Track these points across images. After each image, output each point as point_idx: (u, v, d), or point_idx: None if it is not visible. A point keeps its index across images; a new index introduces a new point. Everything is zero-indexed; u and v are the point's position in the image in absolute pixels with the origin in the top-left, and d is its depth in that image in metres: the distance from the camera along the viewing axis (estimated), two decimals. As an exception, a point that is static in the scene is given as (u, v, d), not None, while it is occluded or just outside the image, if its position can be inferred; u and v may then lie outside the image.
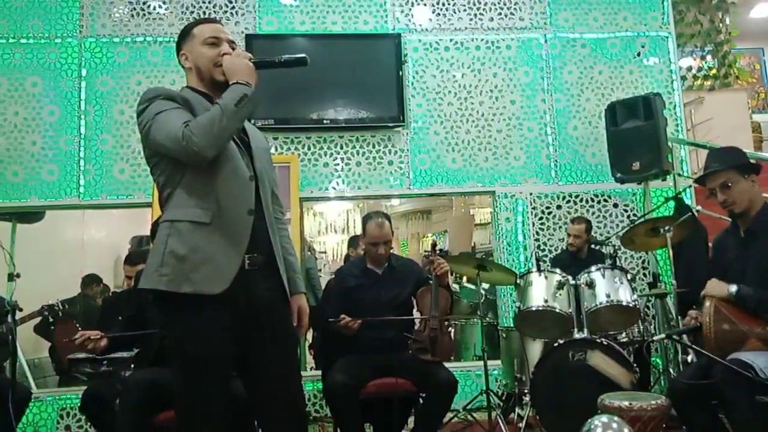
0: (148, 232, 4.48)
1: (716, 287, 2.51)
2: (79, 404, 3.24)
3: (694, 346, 2.56)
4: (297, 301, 2.10)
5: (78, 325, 5.27)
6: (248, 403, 1.99)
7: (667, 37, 5.27)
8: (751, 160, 2.83)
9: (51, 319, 3.80)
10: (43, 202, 4.73)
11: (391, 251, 3.47)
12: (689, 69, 7.69)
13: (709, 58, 7.73)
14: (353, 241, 5.65)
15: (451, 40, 5.12)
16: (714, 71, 7.64)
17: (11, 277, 3.97)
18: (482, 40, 5.14)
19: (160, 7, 4.96)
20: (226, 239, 1.86)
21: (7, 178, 4.65)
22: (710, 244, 3.94)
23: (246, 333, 1.90)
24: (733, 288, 2.45)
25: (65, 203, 4.73)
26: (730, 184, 2.61)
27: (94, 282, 5.97)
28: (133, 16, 4.92)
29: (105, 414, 2.99)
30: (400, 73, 4.93)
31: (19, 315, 3.42)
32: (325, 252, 8.78)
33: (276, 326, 1.97)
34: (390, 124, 4.92)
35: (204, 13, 4.94)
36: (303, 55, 1.97)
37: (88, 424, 3.78)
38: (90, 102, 4.79)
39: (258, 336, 1.93)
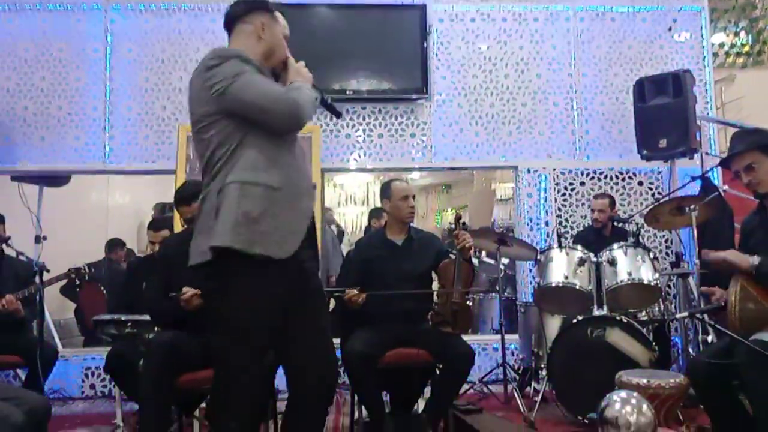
0: (171, 199, 4.54)
1: (738, 257, 2.48)
2: (103, 364, 3.32)
3: (716, 325, 2.54)
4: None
5: (102, 288, 5.39)
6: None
7: (700, 12, 5.13)
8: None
9: (77, 282, 3.88)
10: (69, 166, 4.80)
11: (412, 225, 3.47)
12: (722, 45, 7.50)
13: (742, 34, 7.52)
14: (375, 213, 5.66)
15: (477, 11, 5.03)
16: (747, 48, 7.44)
17: (38, 239, 4.07)
18: (509, 11, 5.04)
19: (185, -27, 4.93)
20: (295, 208, 1.90)
21: (34, 142, 4.72)
22: (736, 225, 3.89)
23: (290, 302, 1.93)
24: (755, 259, 2.42)
25: (91, 168, 4.80)
26: (754, 165, 2.57)
27: (118, 246, 6.07)
28: (158, -18, 4.91)
29: (129, 374, 3.06)
30: (425, 44, 4.87)
31: (46, 276, 3.50)
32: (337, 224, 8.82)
33: (316, 297, 2.05)
34: (413, 96, 4.88)
35: (229, -21, 4.90)
36: (341, 112, 2.15)
37: (112, 383, 3.87)
38: (116, 68, 4.82)
39: (300, 304, 1.97)
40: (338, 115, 2.14)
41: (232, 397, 1.87)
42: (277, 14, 2.07)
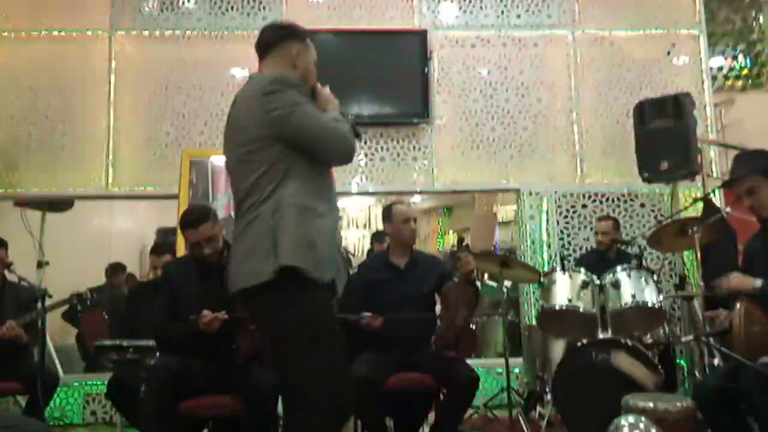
0: (174, 224, 4.55)
1: (741, 281, 2.47)
2: (105, 390, 3.30)
3: (722, 348, 2.52)
4: None
5: (104, 314, 5.37)
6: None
7: (698, 36, 5.19)
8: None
9: (79, 307, 3.87)
10: (72, 192, 4.82)
11: (414, 247, 3.47)
12: (720, 69, 7.55)
13: (740, 57, 7.58)
14: (377, 237, 5.65)
15: (477, 37, 5.09)
16: (746, 71, 7.49)
17: (41, 264, 4.07)
18: (509, 36, 5.10)
19: (188, 1, 5.01)
20: (334, 236, 1.99)
21: (37, 167, 4.74)
22: (739, 246, 3.87)
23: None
24: (758, 282, 2.41)
25: (93, 193, 4.81)
26: (755, 189, 2.58)
27: (119, 270, 6.05)
28: (162, 10, 4.98)
29: (130, 400, 3.04)
30: (426, 69, 4.92)
31: (48, 302, 3.49)
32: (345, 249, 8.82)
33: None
34: (414, 120, 4.92)
35: (232, 8, 4.98)
36: (361, 133, 2.16)
37: (114, 409, 3.84)
38: (119, 94, 4.86)
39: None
40: (359, 137, 2.16)
41: (319, 396, 1.87)
42: (309, 42, 2.14)
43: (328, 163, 2.06)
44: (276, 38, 2.10)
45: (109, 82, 4.86)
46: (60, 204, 5.04)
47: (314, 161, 1.97)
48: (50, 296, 3.46)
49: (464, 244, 3.33)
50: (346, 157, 2.02)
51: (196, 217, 2.90)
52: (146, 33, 4.94)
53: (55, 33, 4.89)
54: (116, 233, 7.26)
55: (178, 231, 4.33)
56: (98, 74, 4.86)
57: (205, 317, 2.73)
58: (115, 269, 6.07)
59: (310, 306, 1.88)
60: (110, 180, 4.77)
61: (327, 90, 2.13)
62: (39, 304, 3.47)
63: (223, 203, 4.41)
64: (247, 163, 1.94)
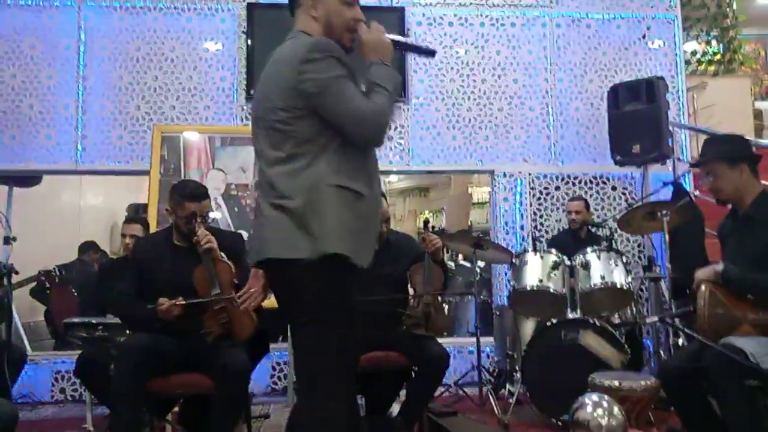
0: (145, 200, 4.49)
1: (705, 273, 2.54)
2: (73, 368, 3.26)
3: (686, 329, 2.58)
4: None
5: (74, 291, 5.30)
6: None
7: (674, 20, 5.22)
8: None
9: (47, 284, 3.81)
10: (40, 166, 4.71)
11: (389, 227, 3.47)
12: (694, 53, 7.64)
13: (714, 43, 7.66)
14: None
15: (455, 15, 5.06)
16: (719, 56, 7.59)
17: (7, 240, 3.98)
18: (486, 16, 5.08)
19: (160, -28, 4.88)
20: (373, 216, 1.88)
21: (4, 141, 4.63)
22: (707, 230, 3.96)
23: None
24: (720, 267, 2.48)
25: (62, 168, 4.72)
26: (717, 174, 2.64)
27: (91, 249, 5.96)
28: (133, -19, 4.85)
29: (99, 378, 3.00)
30: (403, 47, 4.86)
31: (15, 279, 3.42)
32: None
33: None
34: (391, 99, 4.87)
35: (205, -21, 4.86)
36: (434, 50, 1.98)
37: (83, 387, 3.81)
38: (89, 67, 4.74)
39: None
40: (432, 53, 1.98)
41: (336, 377, 1.83)
42: None
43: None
44: None
45: (78, 55, 4.73)
46: (28, 179, 4.92)
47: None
48: (16, 272, 3.39)
49: (429, 224, 3.33)
50: (374, 142, 1.84)
51: (203, 190, 2.89)
52: (116, 5, 4.80)
53: (22, 4, 4.73)
54: (86, 209, 7.15)
55: (151, 206, 4.30)
56: (66, 46, 4.73)
57: (161, 305, 2.70)
58: (87, 247, 5.97)
59: (346, 292, 1.82)
60: (80, 155, 4.67)
61: (373, 32, 1.88)
62: (5, 281, 3.41)
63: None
64: (277, 132, 1.80)
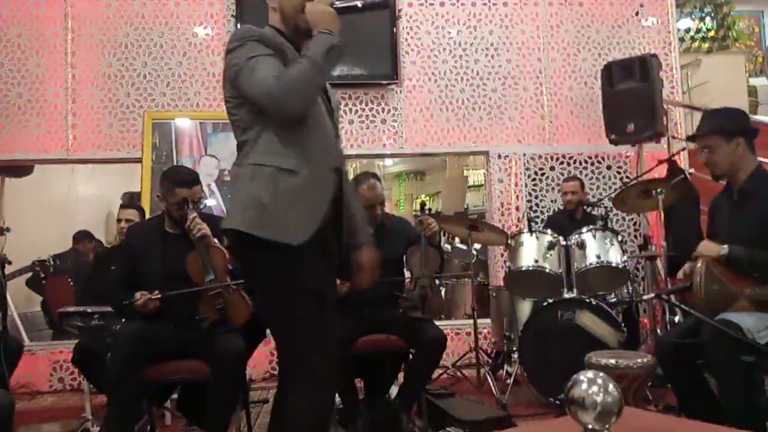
0: (138, 188, 4.46)
1: (708, 248, 2.52)
2: (71, 357, 3.26)
3: (682, 305, 2.58)
4: (357, 255, 2.03)
5: (70, 280, 5.28)
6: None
7: (667, -3, 5.18)
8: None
9: (42, 274, 3.79)
10: (31, 156, 4.67)
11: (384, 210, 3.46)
12: (688, 30, 7.60)
13: (708, 19, 7.62)
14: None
15: (447, -5, 5.00)
16: (712, 33, 7.55)
17: (1, 231, 3.96)
18: (479, -5, 5.03)
19: (148, -44, 4.81)
20: (311, 193, 1.80)
21: (-6, 131, 4.58)
22: (702, 207, 3.95)
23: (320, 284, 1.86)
24: (725, 249, 2.46)
25: (53, 157, 4.68)
26: (711, 148, 2.62)
27: (86, 238, 5.92)
28: (120, -35, 4.77)
29: (96, 367, 3.01)
30: (395, 29, 4.83)
31: (8, 269, 3.41)
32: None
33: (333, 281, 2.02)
34: (383, 82, 4.85)
35: (194, -37, 4.79)
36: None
37: (81, 376, 3.81)
38: (77, 54, 4.68)
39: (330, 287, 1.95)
40: (383, 4, 1.91)
41: (305, 366, 1.79)
42: None
43: (313, 119, 1.85)
44: None
45: (66, 42, 4.67)
46: (19, 169, 4.89)
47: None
48: (9, 263, 3.37)
49: (426, 208, 3.32)
50: (287, 114, 1.77)
51: (194, 176, 2.88)
52: (104, -10, 4.74)
53: (8, -10, 4.67)
54: (80, 198, 7.09)
55: (145, 194, 4.27)
56: (54, 33, 4.67)
57: (136, 299, 2.69)
58: (82, 236, 5.94)
59: (270, 270, 1.78)
60: (71, 144, 4.63)
61: (316, 4, 1.85)
62: (-1, 272, 3.39)
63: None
64: (232, 121, 1.87)
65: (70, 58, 4.67)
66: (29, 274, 3.83)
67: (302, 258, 1.77)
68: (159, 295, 2.71)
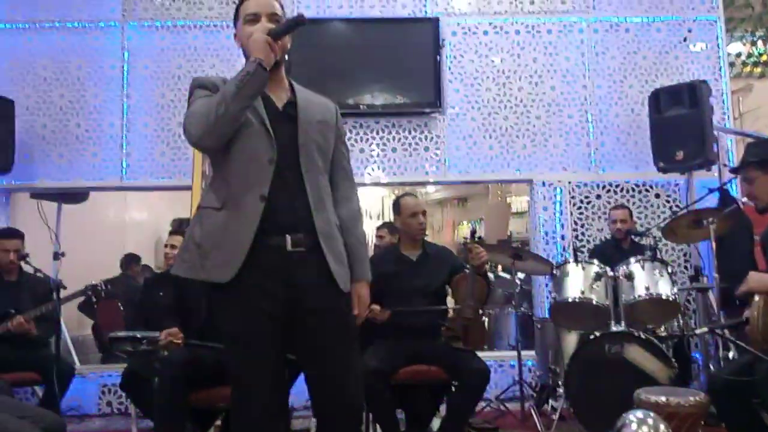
0: (188, 214, 4.57)
1: (758, 279, 2.43)
2: (119, 381, 3.34)
3: (737, 341, 2.49)
4: (354, 289, 1.96)
5: (120, 304, 5.43)
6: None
7: (716, 21, 5.08)
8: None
9: (94, 299, 3.91)
10: (87, 183, 4.85)
11: (426, 238, 3.46)
12: (738, 55, 7.41)
13: (759, 43, 7.43)
14: (380, 227, 5.54)
15: (490, 24, 5.03)
16: (764, 57, 7.35)
17: (56, 256, 4.11)
18: (522, 23, 5.03)
19: (200, -9, 5.00)
20: (235, 225, 1.79)
21: (53, 159, 4.78)
22: (755, 237, 3.82)
23: (288, 316, 1.82)
24: None
25: (108, 184, 4.85)
26: (753, 180, 2.55)
27: (133, 261, 6.11)
28: (174, 0, 4.97)
29: (143, 392, 3.07)
30: (438, 57, 4.87)
31: (63, 293, 3.53)
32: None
33: (326, 315, 1.85)
34: (427, 110, 4.88)
35: (243, -3, 4.95)
36: (300, 14, 1.89)
37: (129, 400, 3.88)
38: (132, 85, 4.88)
39: (302, 322, 1.84)
40: (302, 21, 1.85)
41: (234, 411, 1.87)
42: (243, 5, 1.93)
43: (239, 149, 1.82)
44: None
45: (123, 73, 4.87)
46: (75, 196, 5.08)
47: (224, 151, 1.83)
48: (64, 288, 3.50)
49: (476, 236, 3.30)
50: (195, 144, 1.84)
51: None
52: (158, 24, 4.94)
53: (69, 26, 4.90)
54: (131, 224, 7.34)
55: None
56: (111, 66, 4.88)
57: (161, 339, 2.95)
58: (129, 260, 6.13)
59: (218, 308, 1.85)
60: (124, 171, 4.80)
61: (252, 35, 1.83)
62: (54, 296, 3.51)
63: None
64: None
65: (125, 89, 4.86)
66: (81, 298, 3.94)
67: (229, 298, 1.80)
68: (181, 340, 2.85)
